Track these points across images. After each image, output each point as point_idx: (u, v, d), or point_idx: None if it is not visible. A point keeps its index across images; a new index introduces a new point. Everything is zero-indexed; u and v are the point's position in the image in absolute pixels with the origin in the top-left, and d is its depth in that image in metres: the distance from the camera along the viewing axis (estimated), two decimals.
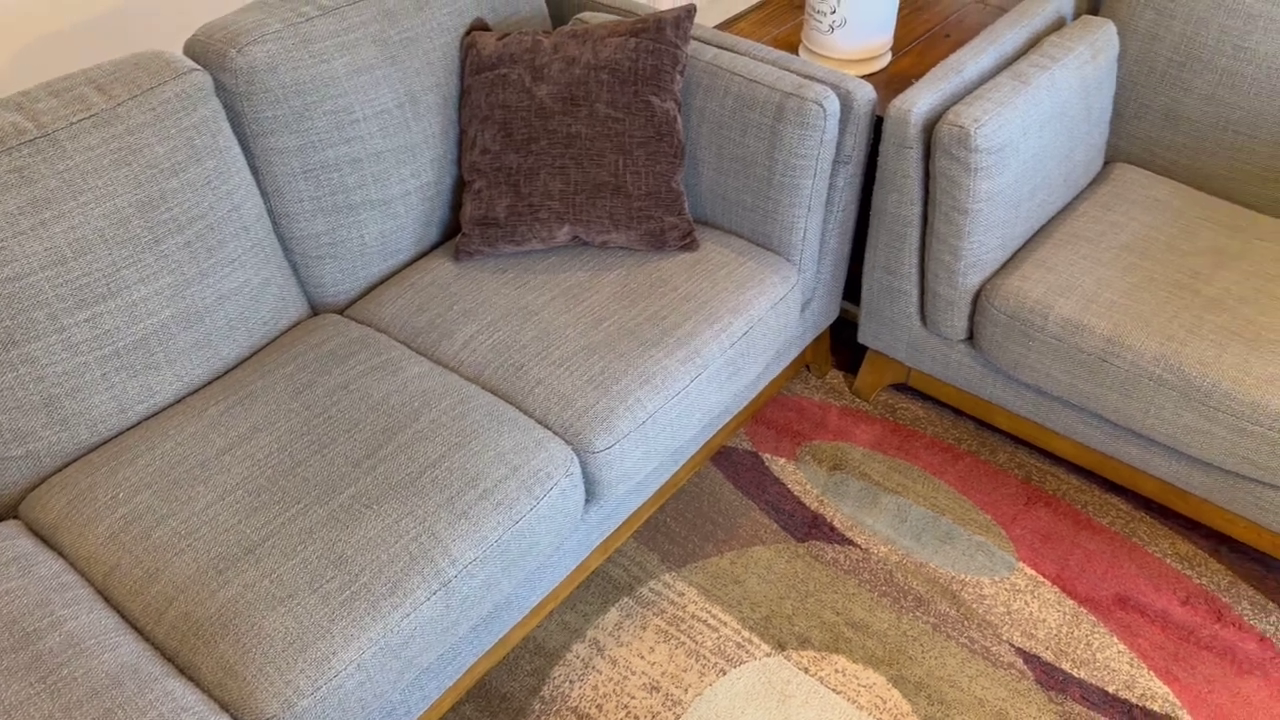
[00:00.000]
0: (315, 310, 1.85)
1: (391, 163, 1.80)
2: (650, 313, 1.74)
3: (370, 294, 1.85)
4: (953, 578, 1.87)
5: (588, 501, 1.65)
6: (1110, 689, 1.70)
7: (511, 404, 1.63)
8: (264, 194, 1.72)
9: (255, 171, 1.70)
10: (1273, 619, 1.80)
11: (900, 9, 2.46)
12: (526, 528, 1.48)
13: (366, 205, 1.79)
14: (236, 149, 1.65)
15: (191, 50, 1.67)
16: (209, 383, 1.67)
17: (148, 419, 1.60)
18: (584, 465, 1.59)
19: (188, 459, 1.51)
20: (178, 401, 1.63)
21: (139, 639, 1.33)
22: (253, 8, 1.71)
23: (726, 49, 1.92)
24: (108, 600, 1.39)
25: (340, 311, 1.85)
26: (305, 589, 1.33)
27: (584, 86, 1.80)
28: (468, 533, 1.42)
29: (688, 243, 1.86)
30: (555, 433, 1.60)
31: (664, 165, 1.81)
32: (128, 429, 1.59)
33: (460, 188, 1.94)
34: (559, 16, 2.16)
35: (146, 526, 1.42)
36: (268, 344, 1.74)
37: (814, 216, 1.89)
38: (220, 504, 1.44)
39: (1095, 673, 1.73)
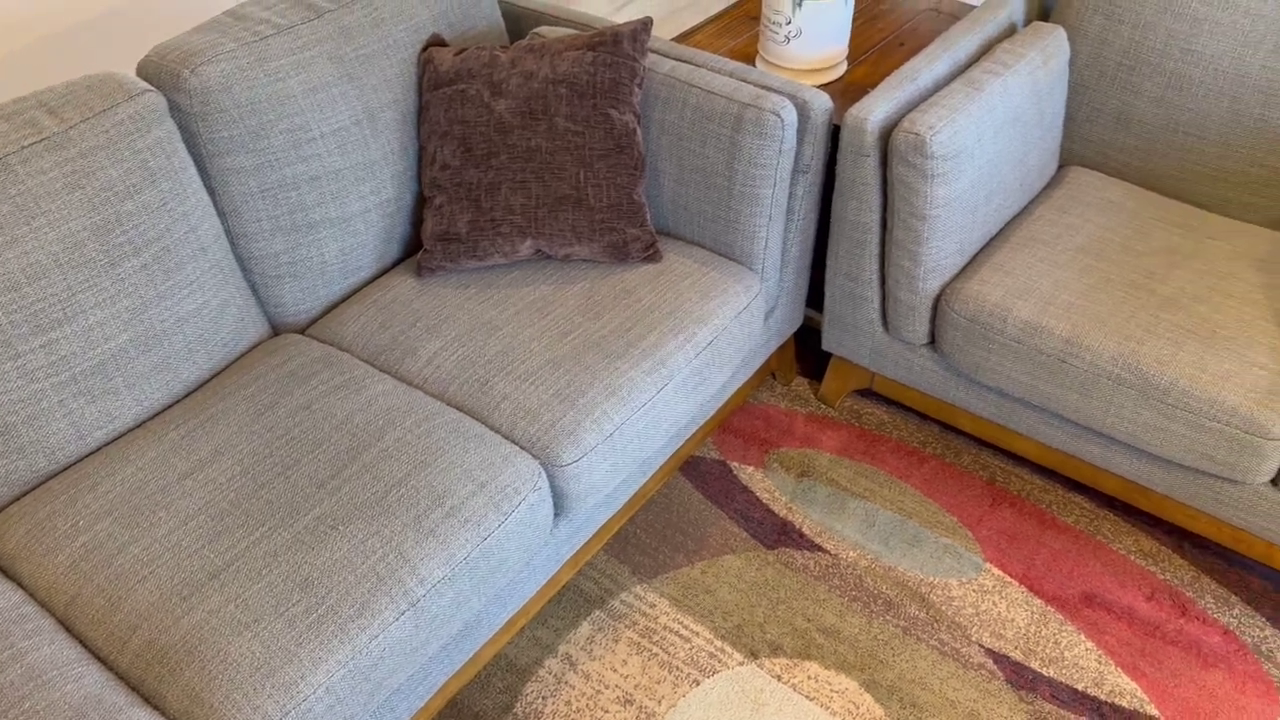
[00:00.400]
0: (276, 330, 1.83)
1: (350, 180, 1.79)
2: (615, 325, 1.74)
3: (332, 313, 1.83)
4: (921, 580, 1.88)
5: (557, 516, 1.65)
6: (1079, 686, 1.72)
7: (477, 420, 1.63)
8: (221, 214, 1.70)
9: (212, 192, 1.68)
10: (1235, 612, 1.83)
11: (854, 18, 2.49)
12: (495, 544, 1.48)
13: (326, 223, 1.77)
14: (192, 170, 1.63)
15: (144, 71, 1.66)
16: (169, 406, 1.64)
17: (107, 445, 1.58)
18: (552, 479, 1.59)
19: (149, 485, 1.49)
20: (138, 426, 1.61)
21: (102, 669, 1.30)
22: (206, 27, 1.70)
23: (684, 61, 1.93)
24: (69, 630, 1.36)
25: (301, 331, 1.84)
26: (271, 613, 1.32)
27: (543, 100, 1.80)
28: (435, 551, 1.41)
29: (651, 254, 1.87)
30: (522, 447, 1.59)
31: (625, 177, 1.82)
32: (87, 455, 1.56)
33: (421, 204, 1.93)
34: (516, 31, 2.16)
35: (108, 554, 1.40)
36: (228, 365, 1.72)
37: (775, 225, 1.91)
38: (183, 529, 1.42)
39: (1064, 671, 1.74)
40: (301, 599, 1.33)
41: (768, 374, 2.27)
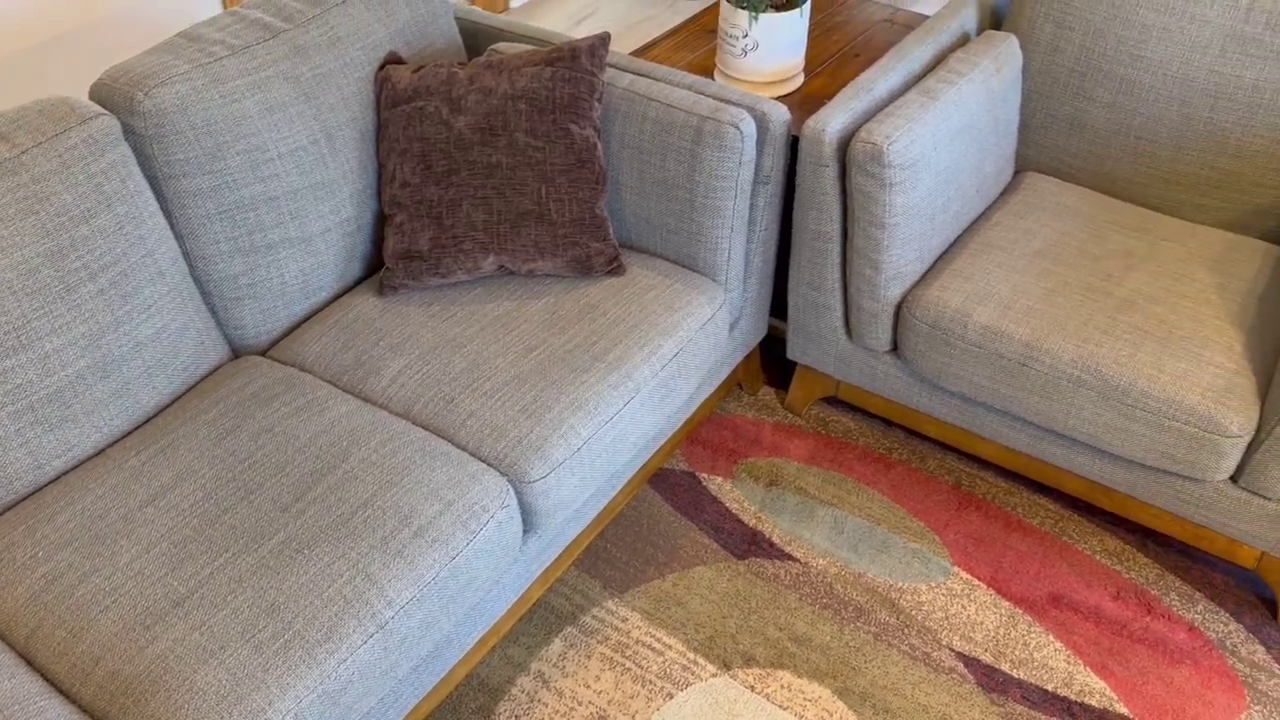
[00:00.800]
0: (237, 353, 1.81)
1: (309, 200, 1.77)
2: (580, 339, 1.74)
3: (293, 333, 1.82)
4: (891, 586, 1.89)
5: (526, 532, 1.64)
6: (1049, 687, 1.74)
7: (443, 438, 1.62)
8: (179, 237, 1.68)
9: (169, 215, 1.67)
10: (1199, 608, 1.85)
11: (811, 31, 2.51)
12: (464, 563, 1.47)
13: (285, 244, 1.76)
14: (148, 193, 1.61)
15: (97, 94, 1.64)
16: (129, 433, 1.62)
17: (66, 473, 1.55)
18: (520, 496, 1.58)
19: (109, 513, 1.46)
20: (97, 454, 1.59)
21: (65, 702, 1.28)
22: (159, 49, 1.68)
23: (643, 75, 1.94)
24: (30, 664, 1.34)
25: (263, 353, 1.82)
26: (237, 640, 1.30)
27: (502, 116, 1.80)
28: (403, 572, 1.40)
29: (614, 267, 1.87)
30: (489, 464, 1.58)
31: (587, 192, 1.82)
32: (45, 485, 1.54)
33: (382, 222, 1.92)
34: (474, 48, 2.16)
35: (69, 585, 1.37)
36: (189, 390, 1.70)
37: (737, 236, 1.91)
38: (145, 557, 1.40)
39: (1034, 672, 1.76)
40: (268, 624, 1.32)
41: (734, 384, 2.27)
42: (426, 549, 1.43)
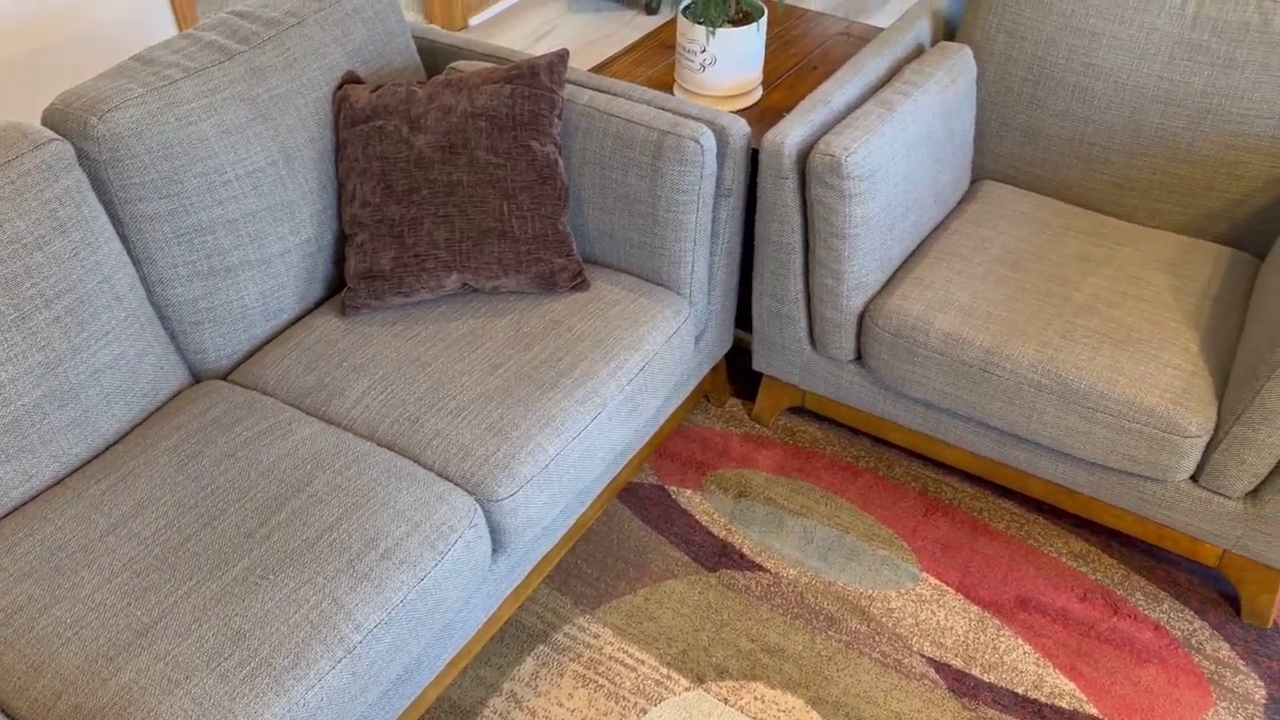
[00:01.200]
0: (198, 377, 1.79)
1: (268, 221, 1.76)
2: (546, 355, 1.74)
3: (254, 356, 1.80)
4: (861, 593, 1.90)
5: (495, 551, 1.63)
6: (1019, 690, 1.75)
7: (409, 458, 1.61)
8: (136, 262, 1.66)
9: (125, 240, 1.65)
10: (1164, 607, 1.87)
11: (768, 44, 2.53)
12: (432, 584, 1.46)
13: (245, 266, 1.75)
14: (104, 218, 1.60)
15: (50, 120, 1.62)
16: (88, 461, 1.60)
17: (25, 504, 1.52)
18: (488, 515, 1.57)
19: (70, 543, 1.44)
20: (57, 483, 1.56)
21: None
22: (113, 73, 1.67)
23: (603, 91, 1.95)
24: None
25: (224, 377, 1.80)
26: (203, 669, 1.28)
27: (462, 134, 1.80)
28: (371, 595, 1.39)
29: (578, 283, 1.87)
30: (456, 484, 1.58)
31: (549, 208, 1.82)
32: (4, 516, 1.51)
33: (343, 242, 1.91)
34: (432, 66, 2.16)
35: (29, 617, 1.35)
36: (149, 416, 1.68)
37: (700, 249, 1.92)
38: (107, 587, 1.38)
39: (1004, 675, 1.77)
40: (234, 652, 1.30)
41: (701, 396, 2.28)
42: (394, 571, 1.42)
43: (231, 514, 1.47)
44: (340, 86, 1.87)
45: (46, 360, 1.50)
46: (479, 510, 1.54)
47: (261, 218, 1.75)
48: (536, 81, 1.83)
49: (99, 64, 1.89)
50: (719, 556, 1.97)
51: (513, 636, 1.84)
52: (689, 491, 2.10)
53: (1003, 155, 2.18)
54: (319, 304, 1.91)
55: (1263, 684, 1.75)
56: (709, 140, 1.82)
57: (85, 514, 1.48)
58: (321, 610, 1.35)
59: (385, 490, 1.51)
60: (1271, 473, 1.69)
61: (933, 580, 1.92)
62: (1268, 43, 1.89)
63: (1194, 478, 1.76)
